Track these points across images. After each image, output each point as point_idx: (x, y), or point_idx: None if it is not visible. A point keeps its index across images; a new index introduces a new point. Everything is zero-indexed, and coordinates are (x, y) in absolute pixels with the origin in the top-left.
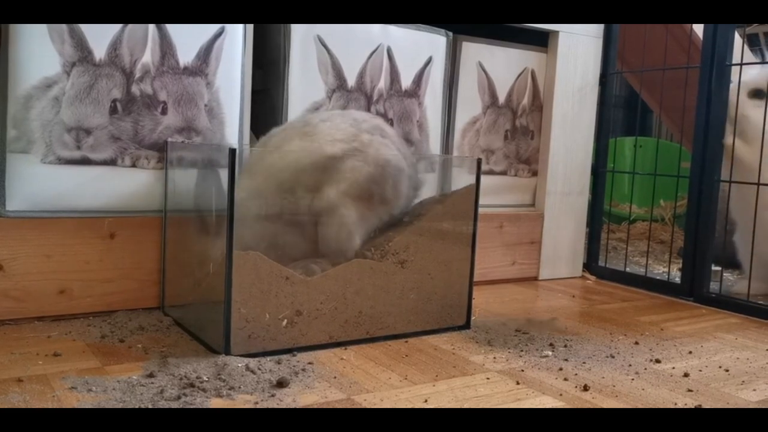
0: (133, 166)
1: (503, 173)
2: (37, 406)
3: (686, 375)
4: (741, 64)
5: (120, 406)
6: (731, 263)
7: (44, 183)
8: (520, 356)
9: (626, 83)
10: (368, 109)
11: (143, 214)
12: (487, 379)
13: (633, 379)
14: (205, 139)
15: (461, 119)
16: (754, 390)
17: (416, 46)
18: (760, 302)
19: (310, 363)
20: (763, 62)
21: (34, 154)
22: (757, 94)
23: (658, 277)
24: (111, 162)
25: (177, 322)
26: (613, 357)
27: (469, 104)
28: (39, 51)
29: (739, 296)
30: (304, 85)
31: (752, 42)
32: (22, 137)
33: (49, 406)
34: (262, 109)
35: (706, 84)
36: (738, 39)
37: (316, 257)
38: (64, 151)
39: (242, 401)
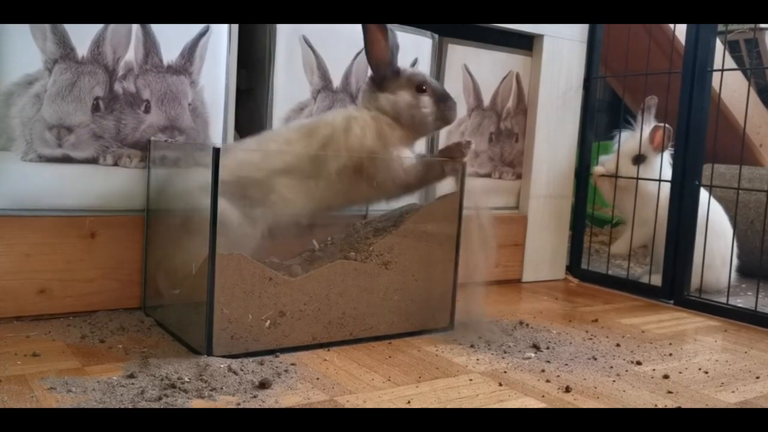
0: (116, 164)
1: (487, 176)
2: (15, 407)
3: (666, 377)
4: (722, 70)
5: (100, 407)
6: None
7: (24, 181)
8: (503, 358)
9: (609, 87)
10: None
11: (125, 214)
12: (470, 380)
13: (614, 381)
14: (188, 138)
15: None
16: (733, 392)
17: (402, 48)
18: (739, 305)
19: (292, 364)
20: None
21: (14, 151)
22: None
23: (639, 280)
24: (93, 160)
25: (158, 323)
26: (594, 359)
27: None
28: (20, 48)
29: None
30: (289, 85)
31: (733, 49)
32: (2, 134)
33: (28, 407)
34: (247, 109)
35: (687, 89)
36: (719, 45)
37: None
38: (45, 149)
39: (224, 402)
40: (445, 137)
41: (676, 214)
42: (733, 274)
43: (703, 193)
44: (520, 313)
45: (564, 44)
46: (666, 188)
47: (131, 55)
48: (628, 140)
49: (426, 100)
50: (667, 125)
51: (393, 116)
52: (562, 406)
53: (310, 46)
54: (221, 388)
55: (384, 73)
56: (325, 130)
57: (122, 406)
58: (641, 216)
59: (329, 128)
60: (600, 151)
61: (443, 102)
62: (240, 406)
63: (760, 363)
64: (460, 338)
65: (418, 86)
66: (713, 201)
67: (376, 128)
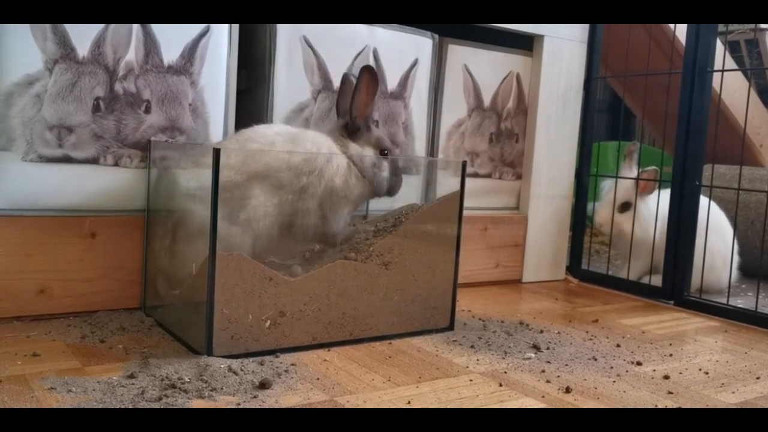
0: (116, 164)
1: (488, 176)
2: (15, 407)
3: (666, 377)
4: (723, 71)
5: (100, 407)
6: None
7: (25, 181)
8: (503, 358)
9: (610, 88)
10: None
11: (125, 214)
12: (471, 380)
13: (615, 381)
14: (189, 138)
15: (446, 122)
16: (733, 392)
17: (402, 48)
18: (739, 306)
19: (293, 364)
20: (743, 69)
21: (14, 151)
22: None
23: (639, 281)
24: (93, 160)
25: (159, 323)
26: (595, 359)
27: (455, 107)
28: (21, 48)
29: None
30: (289, 85)
31: (733, 49)
32: (3, 135)
33: (28, 407)
34: (247, 109)
35: (687, 90)
36: (719, 45)
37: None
38: (45, 149)
39: (224, 402)
40: (444, 139)
41: (676, 214)
42: (734, 274)
43: (702, 197)
44: (520, 313)
45: (564, 44)
46: (663, 214)
47: (132, 55)
48: (612, 189)
49: (385, 166)
50: (653, 167)
51: (360, 169)
52: (562, 407)
53: (310, 46)
54: (221, 389)
55: (359, 125)
56: (310, 147)
57: (122, 406)
58: (639, 243)
59: (315, 148)
60: (600, 152)
61: (396, 175)
62: (240, 407)
63: (760, 363)
64: (461, 338)
65: (383, 150)
66: (712, 202)
67: (346, 177)
